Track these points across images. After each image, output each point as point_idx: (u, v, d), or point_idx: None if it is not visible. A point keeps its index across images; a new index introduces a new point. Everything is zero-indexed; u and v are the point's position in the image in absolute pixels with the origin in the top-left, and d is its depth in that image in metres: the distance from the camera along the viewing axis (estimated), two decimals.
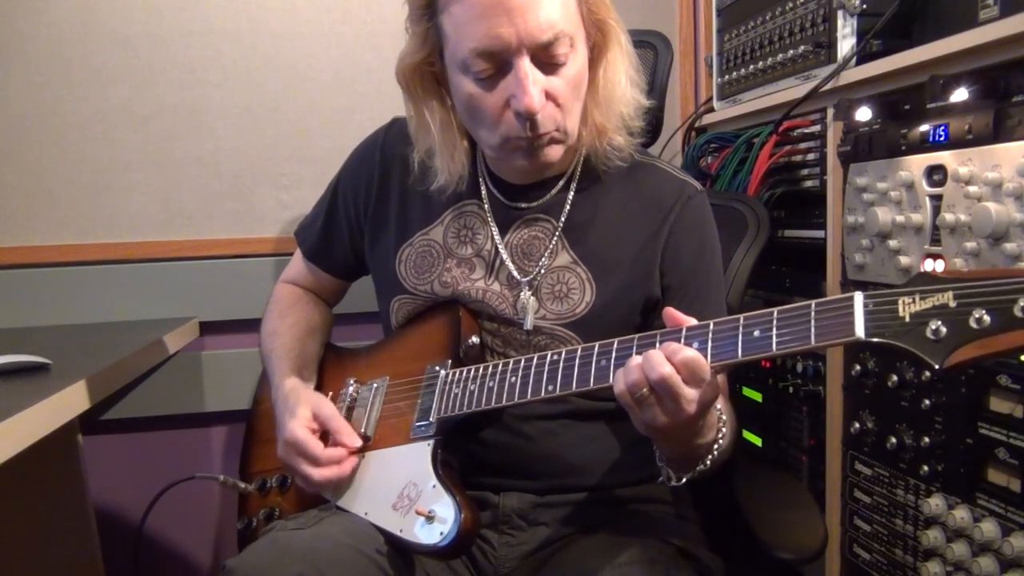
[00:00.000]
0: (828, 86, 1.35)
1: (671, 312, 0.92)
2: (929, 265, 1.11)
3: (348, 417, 1.18)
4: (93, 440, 1.83)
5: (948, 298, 0.72)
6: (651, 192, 1.20)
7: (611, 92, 1.13)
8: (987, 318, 0.69)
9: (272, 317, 1.35)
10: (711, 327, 0.88)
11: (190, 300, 1.84)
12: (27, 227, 1.79)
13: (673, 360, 0.84)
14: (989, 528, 1.01)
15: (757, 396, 1.66)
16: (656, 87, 1.44)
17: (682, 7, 2.06)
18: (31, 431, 1.00)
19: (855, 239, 1.26)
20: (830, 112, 1.38)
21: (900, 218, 1.16)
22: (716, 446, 1.00)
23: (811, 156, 1.47)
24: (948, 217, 1.06)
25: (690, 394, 0.85)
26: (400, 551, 1.05)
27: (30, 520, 1.54)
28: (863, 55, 1.32)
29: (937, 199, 1.10)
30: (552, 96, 1.05)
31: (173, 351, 1.70)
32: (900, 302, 0.75)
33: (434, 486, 1.04)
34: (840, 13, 1.34)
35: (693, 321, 0.90)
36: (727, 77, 1.75)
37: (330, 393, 1.23)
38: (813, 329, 0.80)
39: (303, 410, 1.12)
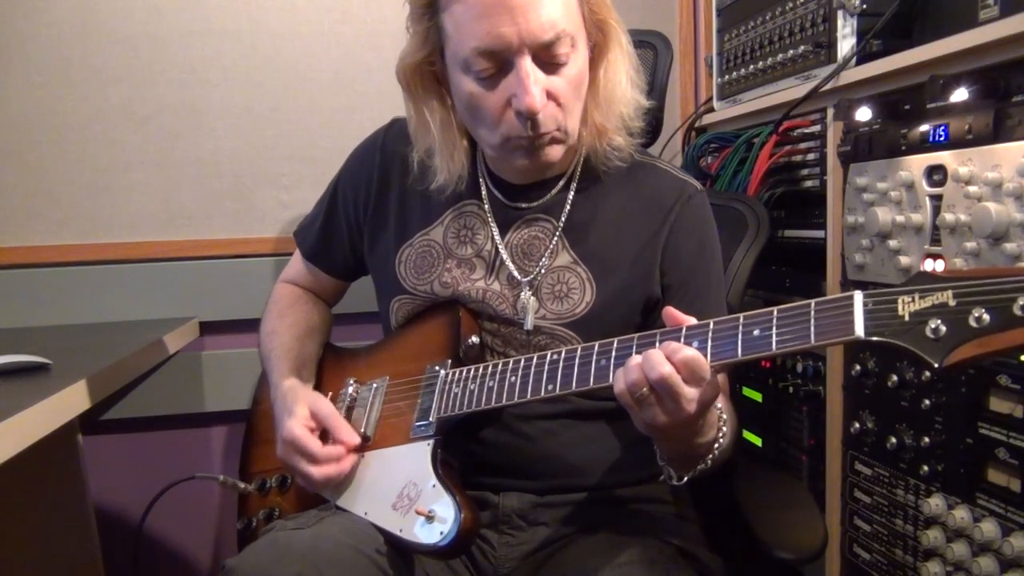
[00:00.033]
0: (828, 86, 1.35)
1: (671, 311, 0.92)
2: (929, 265, 1.11)
3: (348, 417, 1.18)
4: (93, 440, 1.83)
5: (948, 297, 0.72)
6: (651, 192, 1.20)
7: (611, 92, 1.13)
8: (987, 317, 0.69)
9: (271, 317, 1.35)
10: (711, 326, 0.88)
11: (190, 300, 1.84)
12: (27, 227, 1.79)
13: (673, 359, 0.84)
14: (989, 528, 1.01)
15: (757, 396, 1.65)
16: (656, 87, 1.44)
17: (682, 7, 2.06)
18: (31, 431, 1.00)
19: (855, 239, 1.26)
20: (830, 112, 1.38)
21: (900, 218, 1.16)
22: (717, 445, 1.00)
23: (811, 156, 1.47)
24: (948, 217, 1.06)
25: (690, 393, 0.85)
26: (400, 551, 1.05)
27: (30, 520, 1.54)
28: (863, 55, 1.32)
29: (937, 199, 1.10)
30: (553, 96, 1.05)
31: (173, 351, 1.70)
32: (900, 301, 0.75)
33: (434, 486, 1.04)
34: (840, 13, 1.34)
35: (693, 320, 0.90)
36: (727, 77, 1.75)
37: (330, 393, 1.23)
38: (813, 328, 0.80)
39: (301, 409, 1.12)
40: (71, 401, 1.14)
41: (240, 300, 1.85)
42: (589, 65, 1.10)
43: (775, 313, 0.84)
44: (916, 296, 0.74)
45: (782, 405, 1.56)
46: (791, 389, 1.51)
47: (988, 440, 1.03)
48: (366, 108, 1.87)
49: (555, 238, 1.18)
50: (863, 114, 1.26)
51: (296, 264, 1.41)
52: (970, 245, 1.03)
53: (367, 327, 1.78)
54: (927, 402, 1.13)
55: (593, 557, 1.05)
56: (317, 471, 1.09)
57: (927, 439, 1.12)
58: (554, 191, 1.20)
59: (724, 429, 1.01)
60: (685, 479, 1.02)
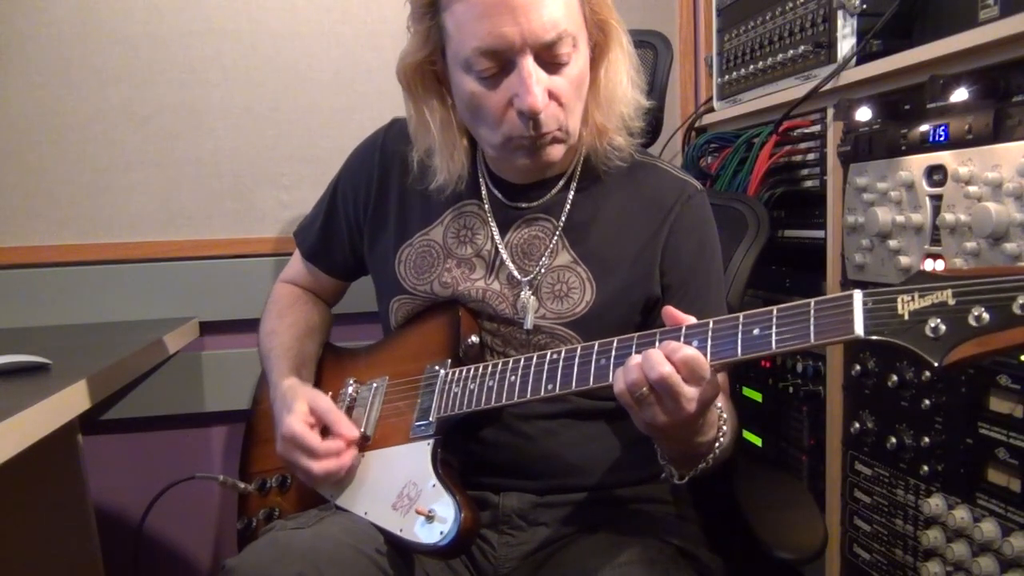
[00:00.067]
0: (828, 86, 1.35)
1: (671, 311, 0.92)
2: (929, 265, 1.11)
3: (348, 417, 1.17)
4: (93, 440, 1.83)
5: (947, 296, 0.72)
6: (651, 192, 1.20)
7: (612, 92, 1.13)
8: (986, 316, 0.69)
9: (271, 317, 1.35)
10: (710, 325, 0.88)
11: (190, 300, 1.84)
12: (27, 227, 1.79)
13: (672, 359, 0.84)
14: (989, 528, 1.01)
15: (757, 396, 1.65)
16: (656, 87, 1.44)
17: (682, 7, 2.06)
18: (31, 431, 1.00)
19: (855, 239, 1.26)
20: (830, 112, 1.38)
21: (900, 218, 1.16)
22: (717, 444, 1.00)
23: (811, 156, 1.47)
24: (948, 217, 1.06)
25: (690, 393, 0.85)
26: (400, 551, 1.05)
27: (30, 520, 1.54)
28: (863, 55, 1.32)
29: (937, 199, 1.10)
30: (555, 95, 1.05)
31: (173, 351, 1.69)
32: (899, 300, 0.75)
33: (434, 485, 1.04)
34: (840, 13, 1.34)
35: (692, 320, 0.90)
36: (727, 77, 1.75)
37: (330, 393, 1.23)
38: (812, 327, 0.80)
39: (300, 405, 1.12)
40: (71, 401, 1.14)
41: (240, 300, 1.85)
42: (590, 65, 1.11)
43: (775, 312, 0.84)
44: (916, 295, 0.74)
45: (782, 405, 1.56)
46: (791, 389, 1.51)
47: (988, 440, 1.03)
48: (366, 108, 1.87)
49: (555, 238, 1.18)
50: (863, 114, 1.26)
51: (296, 264, 1.41)
52: (970, 245, 1.03)
53: (367, 327, 1.78)
54: (927, 402, 1.12)
55: (593, 557, 1.05)
56: (317, 466, 1.08)
57: (927, 439, 1.12)
58: (554, 191, 1.20)
59: (724, 428, 1.01)
60: (686, 478, 1.01)
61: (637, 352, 0.89)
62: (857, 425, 1.27)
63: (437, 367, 1.14)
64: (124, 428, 1.87)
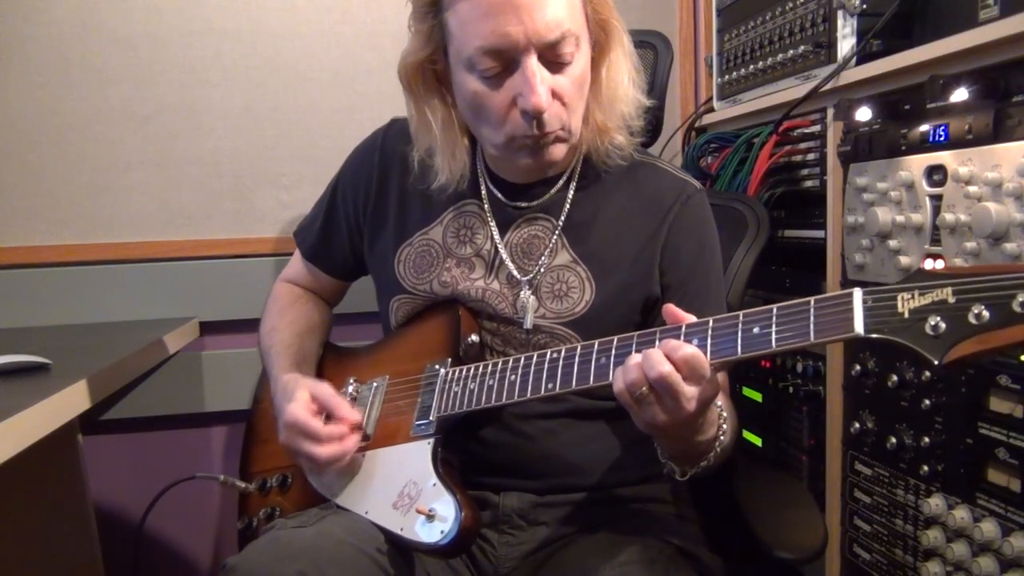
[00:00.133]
0: (828, 86, 1.35)
1: (671, 309, 0.92)
2: (929, 265, 1.11)
3: None
4: (93, 440, 1.83)
5: (947, 294, 0.72)
6: (651, 191, 1.20)
7: (613, 92, 1.13)
8: (986, 313, 0.69)
9: (271, 315, 1.35)
10: (710, 324, 0.88)
11: (190, 300, 1.84)
12: (27, 227, 1.79)
13: (672, 357, 0.84)
14: (989, 528, 1.01)
15: (757, 396, 1.66)
16: (656, 87, 1.44)
17: (682, 7, 2.06)
18: (31, 431, 1.00)
19: (855, 239, 1.27)
20: (830, 112, 1.38)
21: (900, 218, 1.16)
22: (718, 443, 1.00)
23: (811, 156, 1.47)
24: (948, 217, 1.06)
25: (690, 392, 0.85)
26: (401, 550, 1.06)
27: (30, 520, 1.54)
28: (863, 55, 1.32)
29: (937, 199, 1.10)
30: (558, 95, 1.05)
31: (173, 351, 1.70)
32: (899, 298, 0.75)
33: (434, 484, 1.04)
34: (840, 13, 1.34)
35: (693, 318, 0.90)
36: (727, 77, 1.76)
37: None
38: (812, 325, 0.80)
39: (301, 393, 1.11)
40: (71, 401, 1.14)
41: (240, 300, 1.85)
42: (591, 64, 1.11)
43: (775, 311, 0.84)
44: (916, 293, 0.74)
45: (782, 405, 1.56)
46: (791, 389, 1.51)
47: (988, 440, 1.03)
48: (366, 108, 1.88)
49: (555, 237, 1.18)
50: (863, 114, 1.26)
51: (296, 264, 1.41)
52: (970, 245, 1.03)
53: (367, 327, 1.78)
54: (927, 402, 1.13)
55: (593, 557, 1.05)
56: (322, 451, 1.07)
57: (927, 439, 1.12)
58: (554, 190, 1.20)
59: (725, 427, 1.01)
60: (688, 475, 1.02)
61: (637, 351, 0.89)
62: (857, 425, 1.27)
63: (437, 366, 1.14)
64: (124, 428, 1.87)
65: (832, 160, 1.35)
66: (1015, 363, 0.99)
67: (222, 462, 1.93)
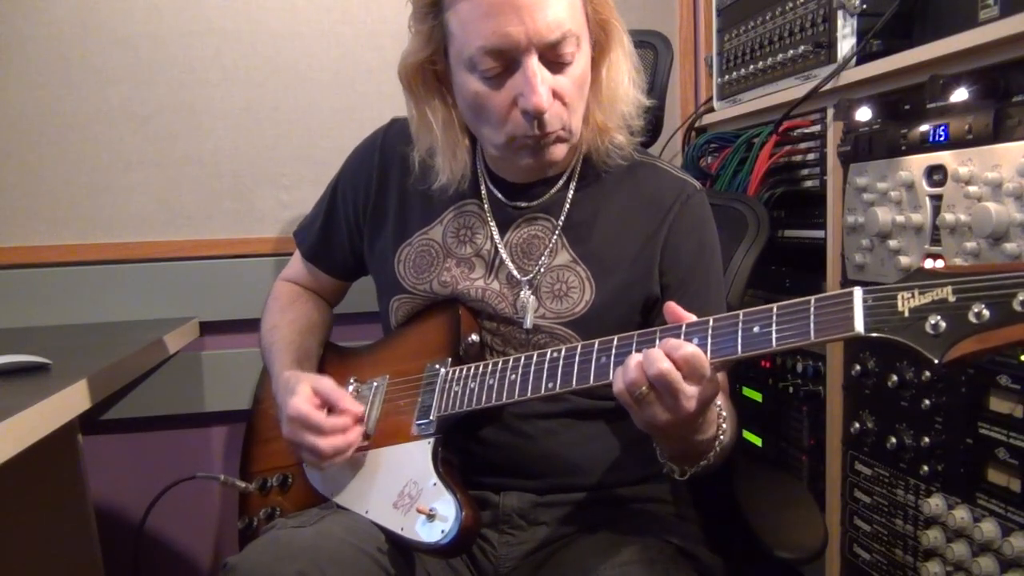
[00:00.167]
0: (828, 86, 1.35)
1: (672, 307, 0.92)
2: (929, 265, 1.11)
3: None
4: (93, 440, 1.83)
5: (947, 293, 0.72)
6: (651, 191, 1.20)
7: (614, 91, 1.13)
8: (986, 312, 0.69)
9: (272, 313, 1.35)
10: (711, 323, 0.88)
11: (190, 300, 1.84)
12: (27, 227, 1.79)
13: (673, 356, 0.84)
14: (989, 528, 1.01)
15: (757, 396, 1.66)
16: (656, 87, 1.44)
17: (682, 7, 2.06)
18: (31, 431, 1.00)
19: (855, 239, 1.27)
20: (830, 112, 1.38)
21: (900, 218, 1.16)
22: (717, 442, 1.00)
23: (811, 156, 1.47)
24: (948, 217, 1.06)
25: (690, 391, 0.85)
26: (401, 549, 1.06)
27: (30, 520, 1.54)
28: (863, 55, 1.32)
29: (937, 199, 1.10)
30: (559, 95, 1.05)
31: (173, 351, 1.70)
32: (899, 297, 0.75)
33: (435, 484, 1.04)
34: (840, 13, 1.34)
35: (693, 317, 0.90)
36: (727, 77, 1.76)
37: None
38: (812, 324, 0.80)
39: (303, 387, 1.11)
40: (71, 401, 1.14)
41: (240, 300, 1.85)
42: (591, 64, 1.11)
43: (775, 310, 0.84)
44: (916, 292, 0.74)
45: (782, 405, 1.56)
46: (791, 389, 1.51)
47: (988, 440, 1.03)
48: (366, 108, 1.88)
49: (554, 237, 1.18)
50: (863, 114, 1.26)
51: (296, 264, 1.41)
52: (970, 245, 1.03)
53: (367, 327, 1.78)
54: (927, 402, 1.13)
55: (593, 557, 1.05)
56: (325, 442, 1.07)
57: (927, 439, 1.12)
58: (554, 190, 1.20)
59: (724, 426, 1.01)
60: (688, 474, 1.02)
61: (637, 351, 0.89)
62: (857, 425, 1.27)
63: (437, 366, 1.14)
64: (124, 428, 1.87)
65: (832, 160, 1.35)
66: (1015, 363, 0.99)
67: (222, 462, 1.93)
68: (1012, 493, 0.99)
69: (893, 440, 1.18)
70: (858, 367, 1.26)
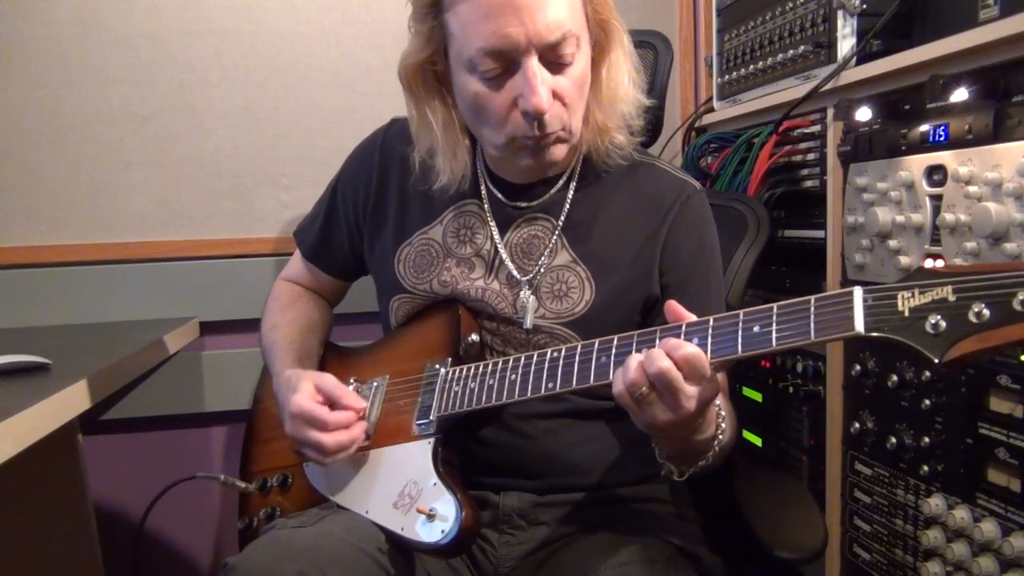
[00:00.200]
0: (828, 86, 1.35)
1: (673, 306, 0.92)
2: (929, 264, 1.11)
3: None
4: (93, 440, 1.83)
5: (947, 292, 0.72)
6: (651, 191, 1.21)
7: (614, 91, 1.13)
8: (986, 312, 0.69)
9: (272, 312, 1.35)
10: (711, 323, 0.88)
11: (190, 300, 1.85)
12: (27, 227, 1.79)
13: (673, 356, 0.84)
14: (989, 528, 1.01)
15: (757, 396, 1.66)
16: (656, 87, 1.44)
17: (682, 7, 2.06)
18: (31, 431, 1.00)
19: (855, 239, 1.27)
20: (830, 112, 1.38)
21: (900, 218, 1.16)
22: (716, 442, 1.00)
23: (811, 156, 1.47)
24: (948, 217, 1.06)
25: (690, 391, 0.85)
26: (401, 549, 1.06)
27: (30, 520, 1.54)
28: (863, 55, 1.32)
29: (937, 199, 1.10)
30: (559, 96, 1.05)
31: (173, 351, 1.70)
32: (899, 297, 0.75)
33: (435, 484, 1.04)
34: (840, 13, 1.34)
35: (694, 317, 0.90)
36: (727, 77, 1.76)
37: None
38: (813, 324, 0.80)
39: (306, 384, 1.11)
40: (71, 401, 1.14)
41: (240, 300, 1.85)
42: (591, 64, 1.11)
43: (775, 309, 0.84)
44: (916, 292, 0.74)
45: (782, 405, 1.56)
46: (791, 389, 1.51)
47: (988, 440, 1.03)
48: (366, 108, 1.88)
49: (554, 237, 1.18)
50: (863, 114, 1.26)
51: (296, 264, 1.41)
52: (970, 245, 1.03)
53: (367, 327, 1.78)
54: (927, 402, 1.13)
55: (593, 557, 1.05)
56: (329, 438, 1.07)
57: (927, 439, 1.12)
58: (553, 190, 1.20)
59: (723, 426, 1.01)
60: (686, 475, 1.02)
61: (637, 351, 0.90)
62: (857, 425, 1.27)
63: (437, 366, 1.14)
64: (124, 428, 1.87)
65: (832, 160, 1.35)
66: (1015, 363, 0.99)
67: (222, 462, 1.93)
68: (1012, 493, 0.99)
69: (893, 440, 1.18)
70: (858, 367, 1.26)
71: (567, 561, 1.09)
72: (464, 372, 1.10)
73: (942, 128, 1.09)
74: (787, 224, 1.56)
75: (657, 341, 0.90)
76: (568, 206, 1.19)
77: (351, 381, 1.23)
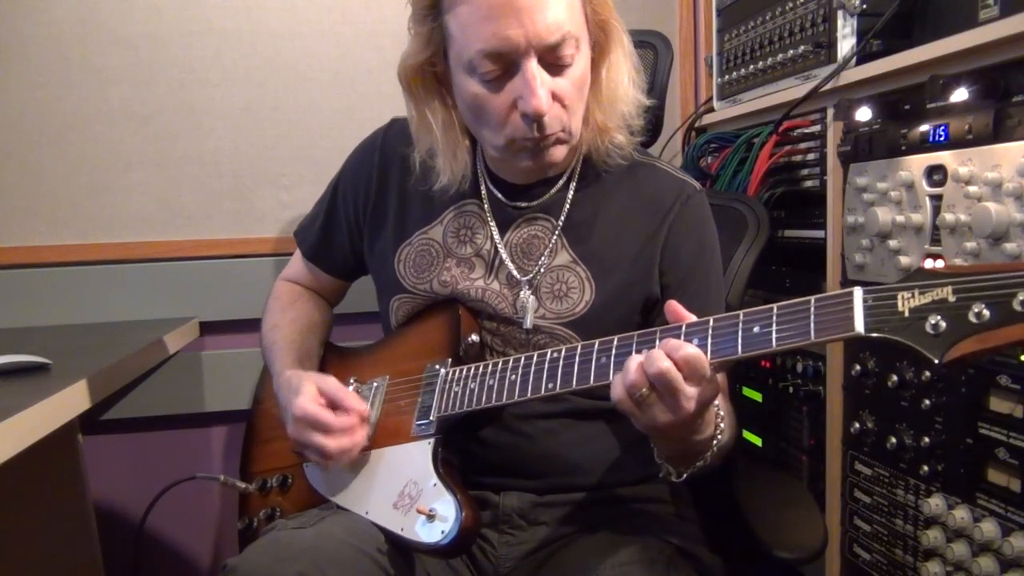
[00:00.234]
0: (828, 86, 1.35)
1: (674, 306, 0.92)
2: (929, 265, 1.11)
3: None
4: (93, 440, 1.83)
5: (947, 293, 0.72)
6: (650, 192, 1.20)
7: (614, 92, 1.13)
8: (986, 312, 0.69)
9: (273, 312, 1.35)
10: (711, 324, 0.88)
11: (190, 300, 1.85)
12: (27, 227, 1.79)
13: (673, 357, 0.84)
14: (989, 528, 1.01)
15: (757, 396, 1.66)
16: (656, 87, 1.44)
17: (682, 7, 2.06)
18: (31, 431, 1.00)
19: (855, 239, 1.27)
20: (830, 112, 1.38)
21: (900, 218, 1.16)
22: (715, 442, 1.00)
23: (811, 156, 1.47)
24: (948, 217, 1.06)
25: (690, 391, 0.85)
26: (401, 550, 1.06)
27: (30, 520, 1.54)
28: (863, 55, 1.32)
29: (937, 199, 1.10)
30: (558, 97, 1.05)
31: (173, 351, 1.70)
32: (899, 297, 0.75)
33: (435, 484, 1.04)
34: (840, 13, 1.34)
35: (695, 317, 0.90)
36: (727, 77, 1.76)
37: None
38: (813, 325, 0.80)
39: (308, 386, 1.11)
40: (71, 401, 1.14)
41: (240, 300, 1.85)
42: (591, 65, 1.11)
43: (775, 310, 0.84)
44: (916, 292, 0.74)
45: (782, 405, 1.56)
46: (791, 389, 1.51)
47: (988, 440, 1.03)
48: (366, 108, 1.88)
49: (554, 237, 1.18)
50: (863, 114, 1.26)
51: (296, 264, 1.41)
52: (970, 245, 1.03)
53: (367, 327, 1.78)
54: (927, 402, 1.13)
55: (593, 556, 1.05)
56: (332, 442, 1.07)
57: (927, 439, 1.12)
58: (554, 190, 1.20)
59: (722, 425, 1.01)
60: (684, 476, 1.01)
61: (637, 351, 0.90)
62: (857, 425, 1.27)
63: (437, 366, 1.14)
64: (124, 428, 1.87)
65: (832, 160, 1.35)
66: (1015, 363, 0.99)
67: (222, 462, 1.93)
68: (1012, 493, 0.99)
69: (893, 440, 1.18)
70: (858, 367, 1.26)
71: (567, 561, 1.09)
72: (464, 372, 1.10)
73: (942, 128, 1.09)
74: (787, 224, 1.56)
75: (657, 342, 0.90)
76: (568, 206, 1.19)
77: (351, 381, 1.23)
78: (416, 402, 1.13)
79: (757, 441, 1.66)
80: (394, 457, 1.11)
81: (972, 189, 1.03)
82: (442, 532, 1.00)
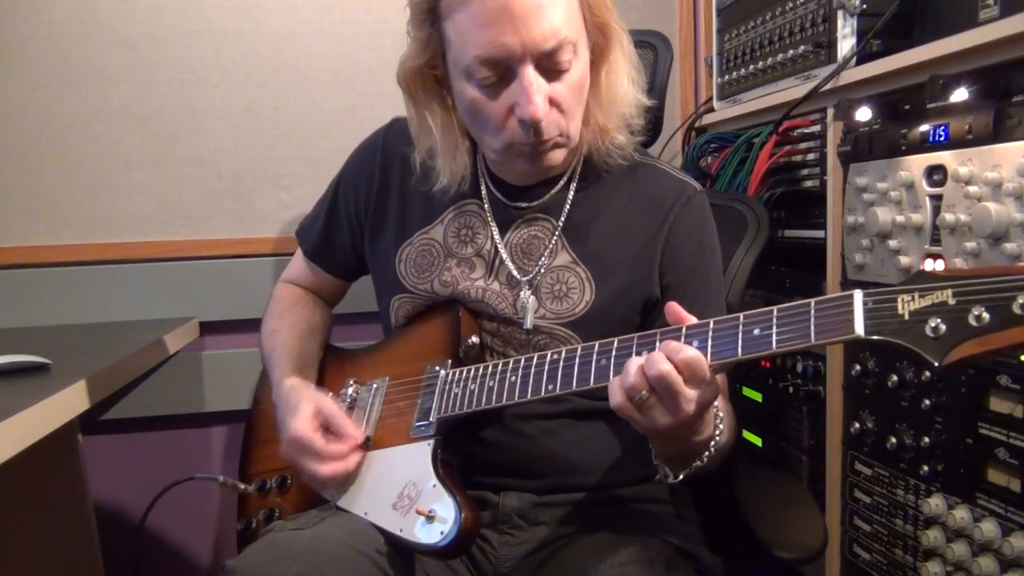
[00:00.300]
0: (828, 86, 1.35)
1: (674, 307, 0.92)
2: (929, 265, 1.11)
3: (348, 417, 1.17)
4: (93, 440, 1.83)
5: (947, 296, 0.72)
6: (651, 192, 1.20)
7: (613, 93, 1.13)
8: (986, 315, 0.69)
9: (272, 317, 1.35)
10: (711, 326, 0.88)
11: (190, 300, 1.85)
12: (27, 227, 1.79)
13: (673, 359, 0.84)
14: (989, 528, 1.01)
15: (757, 396, 1.66)
16: (656, 87, 1.44)
17: (682, 7, 2.06)
18: (31, 431, 1.00)
19: (855, 239, 1.26)
20: (830, 112, 1.38)
21: (900, 218, 1.16)
22: (713, 443, 0.99)
23: (811, 156, 1.47)
24: (948, 217, 1.06)
25: (690, 394, 0.85)
26: (400, 551, 1.05)
27: (30, 520, 1.54)
28: (863, 55, 1.32)
29: (937, 199, 1.10)
30: (556, 102, 1.05)
31: (173, 351, 1.70)
32: (899, 300, 0.75)
33: (434, 486, 1.04)
34: (840, 13, 1.34)
35: (695, 319, 0.90)
36: (727, 77, 1.76)
37: (330, 394, 1.23)
38: (813, 327, 0.80)
39: (306, 407, 1.11)
40: (71, 401, 1.14)
41: (240, 300, 1.85)
42: (591, 67, 1.10)
43: (775, 312, 0.84)
44: (916, 295, 0.74)
45: (782, 405, 1.56)
46: (791, 389, 1.51)
47: (988, 440, 1.03)
48: (366, 108, 1.88)
49: (554, 237, 1.18)
50: (863, 114, 1.26)
51: (298, 264, 1.41)
52: (970, 245, 1.03)
53: (367, 327, 1.78)
54: (927, 402, 1.12)
55: (593, 557, 1.05)
56: (324, 469, 1.08)
57: (927, 439, 1.12)
58: (554, 191, 1.20)
59: (721, 427, 1.01)
60: (680, 477, 1.01)
61: (637, 353, 0.90)
62: (857, 425, 1.27)
63: (437, 368, 1.14)
64: (124, 428, 1.87)
65: (832, 160, 1.35)
66: (1015, 363, 0.99)
67: (222, 462, 1.93)
68: (1012, 493, 0.99)
69: (893, 440, 1.18)
70: (858, 367, 1.26)
71: (567, 561, 1.09)
72: (464, 374, 1.10)
73: (942, 128, 1.09)
74: (787, 224, 1.56)
75: (657, 344, 0.90)
76: (568, 207, 1.19)
77: (351, 383, 1.24)
78: (416, 403, 1.13)
79: (757, 441, 1.66)
80: (393, 458, 1.11)
81: (972, 189, 1.03)
82: (441, 533, 1.00)
